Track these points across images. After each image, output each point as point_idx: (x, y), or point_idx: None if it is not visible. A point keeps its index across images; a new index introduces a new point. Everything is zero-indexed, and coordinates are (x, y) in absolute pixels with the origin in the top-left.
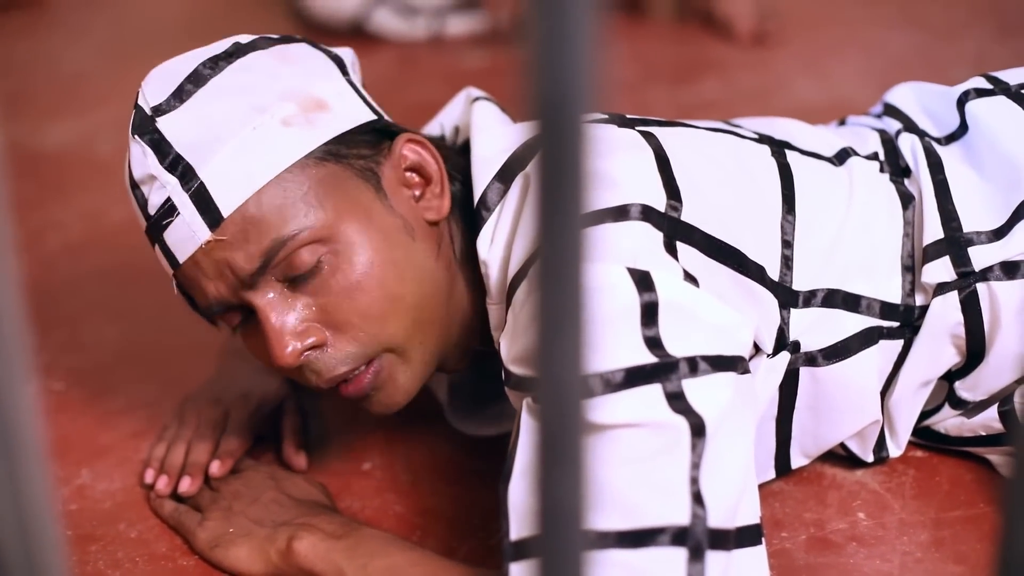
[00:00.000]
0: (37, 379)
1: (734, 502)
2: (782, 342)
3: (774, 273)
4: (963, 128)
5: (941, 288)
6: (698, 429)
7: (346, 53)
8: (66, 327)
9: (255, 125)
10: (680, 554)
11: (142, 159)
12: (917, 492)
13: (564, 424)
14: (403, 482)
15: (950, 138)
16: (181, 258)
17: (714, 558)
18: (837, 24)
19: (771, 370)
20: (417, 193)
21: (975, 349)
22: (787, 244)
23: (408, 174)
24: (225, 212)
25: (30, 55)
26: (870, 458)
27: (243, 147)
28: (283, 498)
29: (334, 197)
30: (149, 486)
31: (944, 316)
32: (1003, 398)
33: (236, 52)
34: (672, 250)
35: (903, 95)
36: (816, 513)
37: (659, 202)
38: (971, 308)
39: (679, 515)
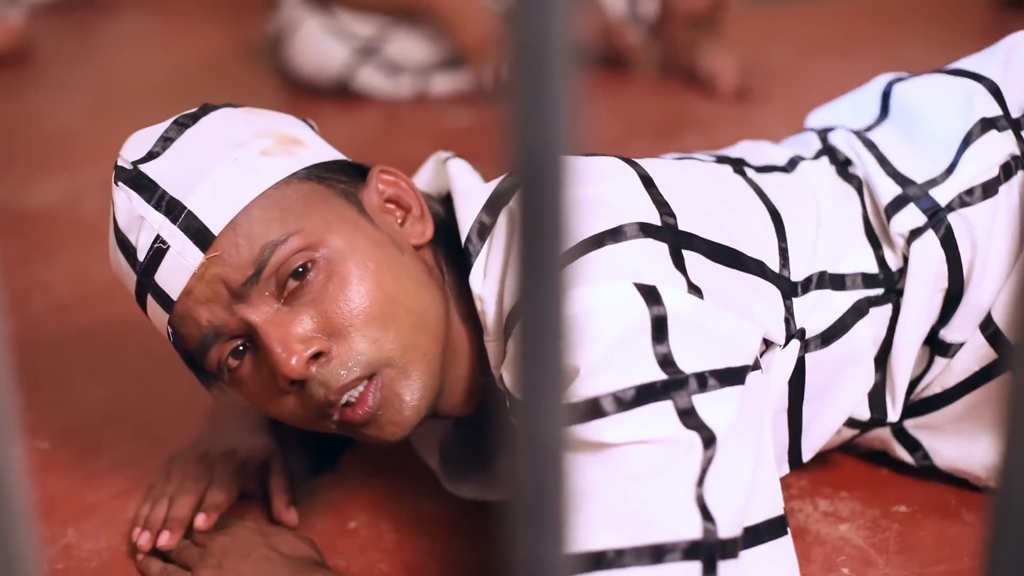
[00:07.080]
0: (23, 438)
1: (741, 511)
2: (790, 331)
3: (774, 266)
4: (884, 113)
5: (916, 234)
6: (709, 442)
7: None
8: (52, 386)
9: (235, 157)
10: (694, 568)
11: (127, 204)
12: (901, 547)
13: (545, 482)
14: (388, 540)
15: (876, 124)
16: (175, 293)
17: (726, 568)
18: (819, 79)
19: (784, 361)
20: (399, 219)
21: (955, 288)
22: (782, 237)
23: (387, 204)
24: (215, 230)
25: (15, 113)
26: (867, 416)
27: (226, 175)
28: (274, 555)
29: (321, 209)
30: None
31: (926, 259)
32: (983, 323)
33: (209, 108)
34: (679, 259)
35: (818, 114)
36: (800, 569)
37: (653, 217)
38: (949, 242)
39: (691, 529)
